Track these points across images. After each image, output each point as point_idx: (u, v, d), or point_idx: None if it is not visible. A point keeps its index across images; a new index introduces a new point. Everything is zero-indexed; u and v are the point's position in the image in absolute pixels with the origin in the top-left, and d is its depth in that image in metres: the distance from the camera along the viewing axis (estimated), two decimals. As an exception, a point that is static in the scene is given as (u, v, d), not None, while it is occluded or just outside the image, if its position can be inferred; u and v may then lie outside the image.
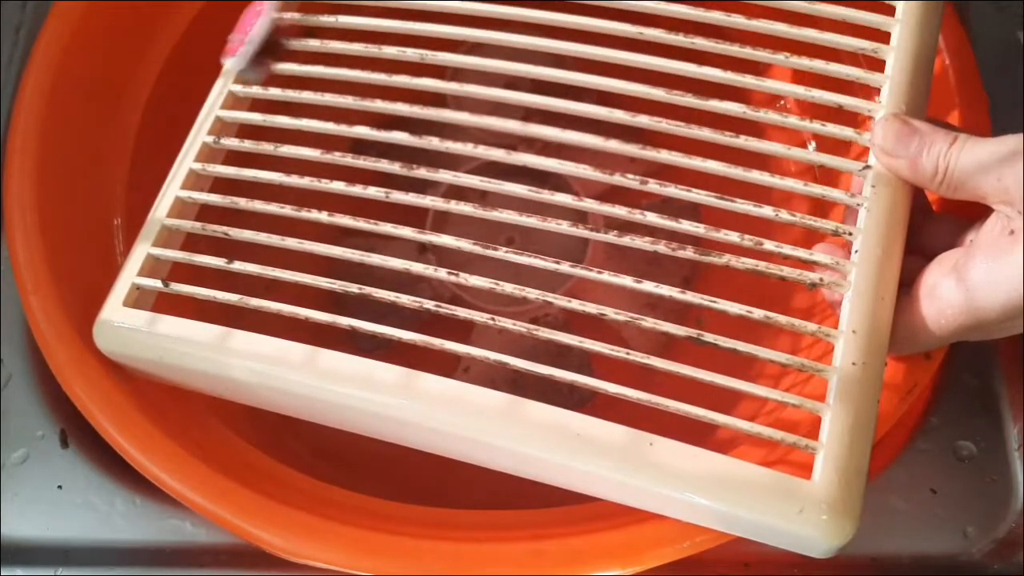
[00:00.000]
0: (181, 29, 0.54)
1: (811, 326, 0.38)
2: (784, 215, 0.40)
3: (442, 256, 0.54)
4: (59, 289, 0.44)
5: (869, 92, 0.43)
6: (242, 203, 0.43)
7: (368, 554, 0.39)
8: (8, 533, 0.47)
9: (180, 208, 0.44)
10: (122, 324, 0.41)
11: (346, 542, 0.39)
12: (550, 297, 0.39)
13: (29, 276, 0.44)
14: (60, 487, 0.48)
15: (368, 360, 0.39)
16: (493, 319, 0.39)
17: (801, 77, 0.43)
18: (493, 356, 0.38)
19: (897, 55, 0.42)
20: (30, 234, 0.45)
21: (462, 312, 0.39)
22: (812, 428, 0.36)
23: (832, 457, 0.36)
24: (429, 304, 0.39)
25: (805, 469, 0.36)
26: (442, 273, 0.40)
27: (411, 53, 0.45)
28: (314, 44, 0.46)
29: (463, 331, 0.40)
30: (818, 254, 0.39)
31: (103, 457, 0.48)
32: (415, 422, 0.38)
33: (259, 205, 0.42)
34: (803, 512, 0.35)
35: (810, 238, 0.41)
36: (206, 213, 0.44)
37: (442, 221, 0.54)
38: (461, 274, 0.40)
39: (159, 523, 0.47)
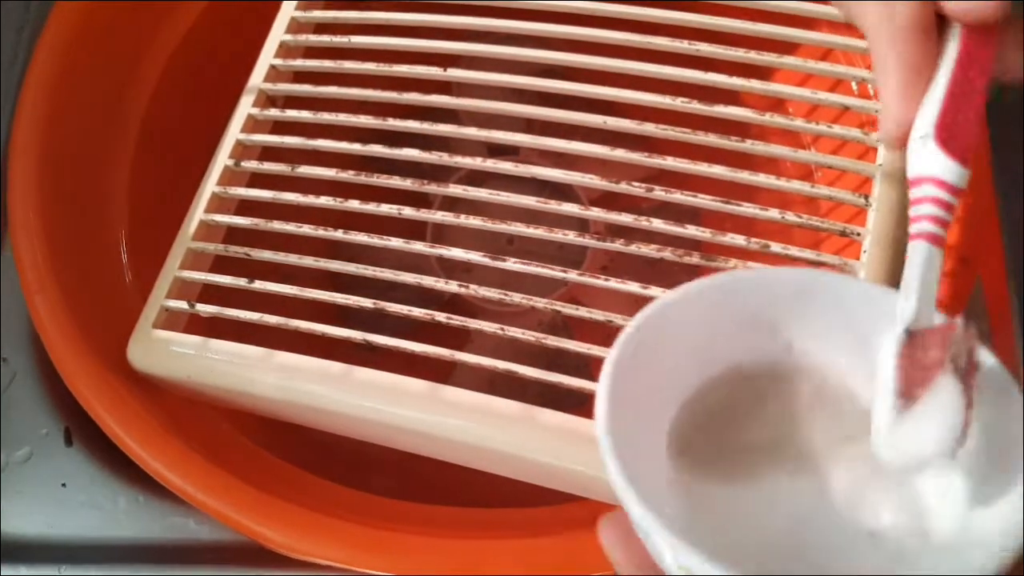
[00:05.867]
0: (183, 30, 0.54)
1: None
2: (791, 217, 0.40)
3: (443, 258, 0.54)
4: (63, 287, 0.45)
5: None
6: (263, 224, 0.44)
7: (369, 551, 0.39)
8: (11, 531, 0.47)
9: (205, 231, 0.45)
10: (152, 345, 0.43)
11: (348, 539, 0.39)
12: (558, 305, 0.40)
13: (33, 275, 0.45)
14: (64, 485, 0.48)
15: (397, 376, 0.40)
16: (503, 329, 0.40)
17: (806, 80, 0.43)
18: (503, 365, 0.39)
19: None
20: (34, 233, 0.46)
21: (473, 323, 0.40)
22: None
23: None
24: (441, 316, 0.40)
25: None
26: (453, 286, 0.41)
27: (423, 70, 0.46)
28: (329, 65, 0.47)
29: (461, 333, 0.41)
30: (826, 255, 0.39)
31: (107, 455, 0.48)
32: (441, 435, 0.39)
33: (277, 225, 0.44)
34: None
35: (817, 240, 0.41)
36: (229, 233, 0.46)
37: (442, 225, 0.55)
38: (471, 285, 0.41)
39: (163, 521, 0.47)
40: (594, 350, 0.39)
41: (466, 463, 0.41)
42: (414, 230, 0.52)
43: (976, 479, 0.27)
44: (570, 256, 0.53)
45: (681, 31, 0.43)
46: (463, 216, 0.42)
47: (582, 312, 0.39)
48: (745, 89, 0.42)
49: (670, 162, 0.41)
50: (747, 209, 0.40)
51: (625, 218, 0.41)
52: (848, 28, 0.43)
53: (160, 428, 0.42)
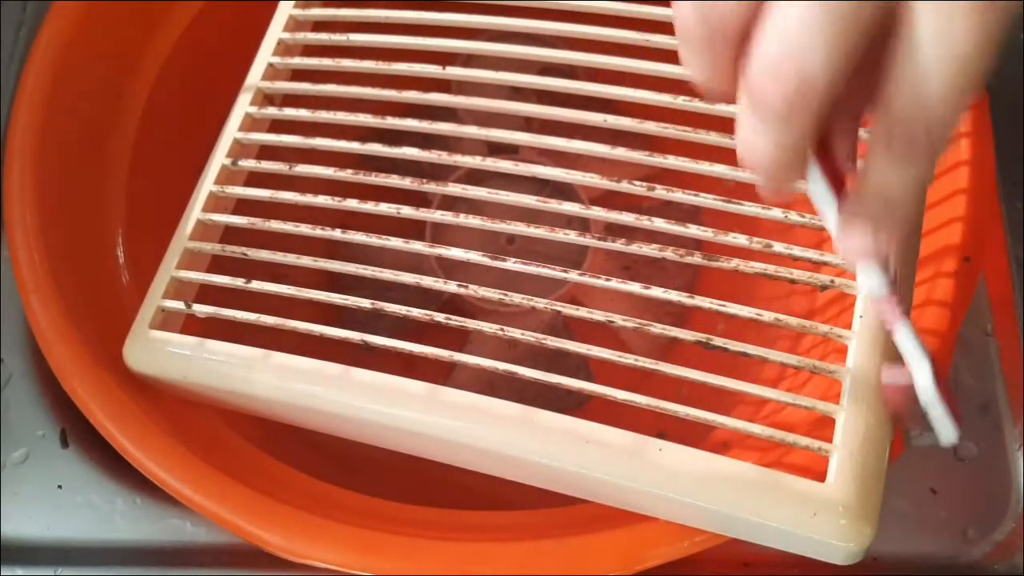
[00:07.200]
0: (180, 29, 0.54)
1: (823, 327, 0.38)
2: (794, 216, 0.39)
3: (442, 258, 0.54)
4: (59, 288, 0.45)
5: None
6: (260, 224, 0.43)
7: (367, 554, 0.39)
8: (8, 533, 0.47)
9: (202, 230, 0.45)
10: (148, 346, 0.42)
11: (345, 542, 0.39)
12: (559, 306, 0.39)
13: (29, 274, 0.45)
14: (60, 487, 0.48)
15: (395, 377, 0.40)
16: (503, 330, 0.39)
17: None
18: (502, 366, 0.38)
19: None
20: (30, 233, 0.46)
21: (472, 324, 0.40)
22: (810, 430, 0.36)
23: (847, 458, 0.35)
24: (440, 317, 0.40)
25: (806, 472, 0.35)
26: (452, 286, 0.41)
27: (422, 68, 0.45)
28: (327, 63, 0.47)
29: (460, 333, 0.41)
30: (828, 255, 0.39)
31: (104, 456, 0.48)
32: (440, 437, 0.39)
33: (275, 225, 0.43)
34: (817, 515, 0.35)
35: (820, 239, 0.40)
36: (226, 233, 0.45)
37: (441, 224, 0.55)
38: (471, 286, 0.40)
39: (159, 523, 0.47)
40: (594, 351, 0.38)
41: (465, 465, 0.40)
42: (413, 229, 0.51)
43: None
44: (571, 256, 0.53)
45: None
46: (462, 215, 0.42)
47: (582, 312, 0.39)
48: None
49: (671, 161, 0.41)
50: (749, 208, 0.40)
51: (626, 217, 0.40)
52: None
53: (157, 430, 0.42)
